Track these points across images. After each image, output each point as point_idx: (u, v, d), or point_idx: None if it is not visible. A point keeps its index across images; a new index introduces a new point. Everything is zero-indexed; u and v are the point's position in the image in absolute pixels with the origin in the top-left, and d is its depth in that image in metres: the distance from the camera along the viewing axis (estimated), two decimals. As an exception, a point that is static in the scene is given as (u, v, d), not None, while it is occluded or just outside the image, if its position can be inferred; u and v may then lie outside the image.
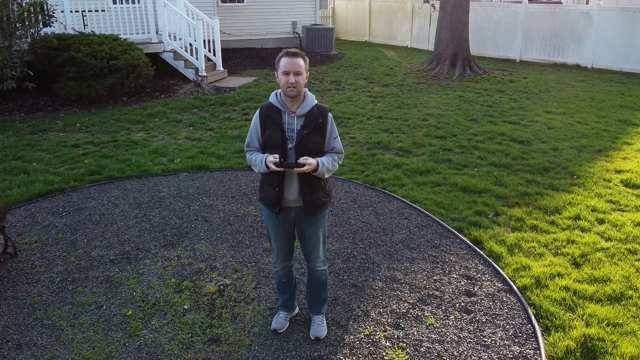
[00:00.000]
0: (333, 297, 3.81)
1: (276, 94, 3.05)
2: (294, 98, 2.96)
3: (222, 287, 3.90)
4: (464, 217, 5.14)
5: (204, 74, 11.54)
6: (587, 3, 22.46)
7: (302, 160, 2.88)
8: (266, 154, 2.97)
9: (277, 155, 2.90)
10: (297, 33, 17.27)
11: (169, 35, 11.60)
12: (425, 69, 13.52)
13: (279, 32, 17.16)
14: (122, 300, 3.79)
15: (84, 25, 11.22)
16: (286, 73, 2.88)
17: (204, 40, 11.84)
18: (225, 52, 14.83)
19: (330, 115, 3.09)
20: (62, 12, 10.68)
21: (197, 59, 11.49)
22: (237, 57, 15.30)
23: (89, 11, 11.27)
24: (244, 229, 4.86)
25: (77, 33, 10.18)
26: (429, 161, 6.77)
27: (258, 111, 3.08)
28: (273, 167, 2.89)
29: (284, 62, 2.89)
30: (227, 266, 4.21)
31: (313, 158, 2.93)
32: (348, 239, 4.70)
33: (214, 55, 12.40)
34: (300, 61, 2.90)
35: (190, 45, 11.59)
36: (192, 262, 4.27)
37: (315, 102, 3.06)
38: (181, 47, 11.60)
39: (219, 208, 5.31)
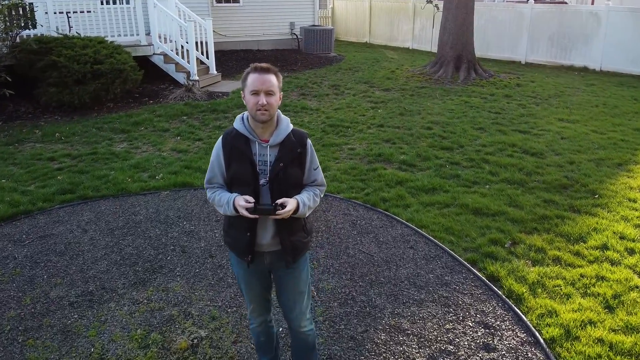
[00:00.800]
0: (327, 355, 3.21)
1: (242, 118, 2.45)
2: (265, 123, 2.38)
3: (195, 341, 3.31)
4: (477, 246, 4.55)
5: (196, 77, 10.95)
6: (592, 3, 21.88)
7: (281, 210, 2.32)
8: (235, 194, 2.38)
9: (250, 199, 2.31)
10: (295, 34, 16.67)
11: (160, 37, 11.01)
12: (428, 72, 12.91)
13: (277, 33, 16.56)
14: (77, 357, 3.20)
15: (69, 27, 10.63)
16: (255, 93, 2.31)
17: (197, 42, 11.26)
18: (220, 54, 14.23)
19: (309, 142, 2.51)
20: (46, 13, 10.09)
21: (188, 62, 10.90)
22: (232, 59, 14.69)
23: (74, 12, 10.66)
24: (226, 262, 4.27)
25: (60, 35, 9.58)
26: (435, 177, 6.19)
27: (220, 140, 2.48)
28: (245, 213, 2.30)
29: (252, 80, 2.32)
30: (204, 312, 3.61)
31: (292, 196, 2.39)
32: (346, 274, 4.11)
33: (207, 58, 11.82)
34: (273, 78, 2.33)
35: (182, 47, 11.00)
36: (163, 306, 3.68)
37: (291, 127, 2.48)
38: (172, 50, 11.00)
39: (200, 235, 4.72)
